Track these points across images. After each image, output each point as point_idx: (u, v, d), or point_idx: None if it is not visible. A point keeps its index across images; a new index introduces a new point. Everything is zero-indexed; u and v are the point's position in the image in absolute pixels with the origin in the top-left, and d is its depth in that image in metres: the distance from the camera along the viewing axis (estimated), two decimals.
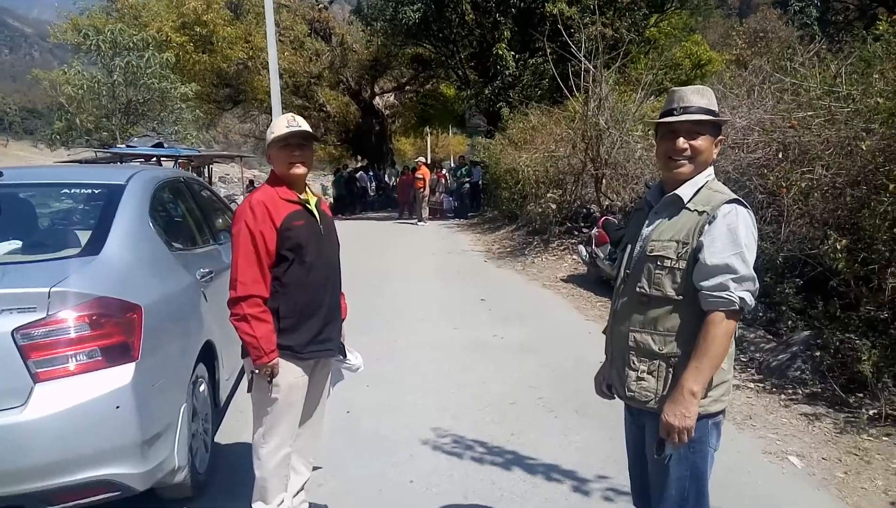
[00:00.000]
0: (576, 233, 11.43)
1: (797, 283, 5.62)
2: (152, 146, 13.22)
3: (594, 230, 8.96)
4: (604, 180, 11.03)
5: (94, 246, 2.86)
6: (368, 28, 21.33)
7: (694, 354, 1.98)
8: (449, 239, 14.76)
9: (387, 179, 26.48)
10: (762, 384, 4.97)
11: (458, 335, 6.41)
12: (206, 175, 15.60)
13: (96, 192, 3.27)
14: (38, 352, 2.40)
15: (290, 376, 2.77)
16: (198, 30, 19.39)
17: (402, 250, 12.71)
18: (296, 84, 22.64)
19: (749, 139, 6.65)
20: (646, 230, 2.17)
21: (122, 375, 2.56)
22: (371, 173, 25.13)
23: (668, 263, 2.05)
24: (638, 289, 2.11)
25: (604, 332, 2.37)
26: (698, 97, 2.11)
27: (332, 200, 23.04)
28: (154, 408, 2.74)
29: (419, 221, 18.22)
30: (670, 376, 2.07)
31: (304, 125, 2.80)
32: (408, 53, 22.37)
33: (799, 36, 16.78)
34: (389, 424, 4.27)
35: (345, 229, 17.41)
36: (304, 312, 2.77)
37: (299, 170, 2.78)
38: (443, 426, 4.22)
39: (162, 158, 14.00)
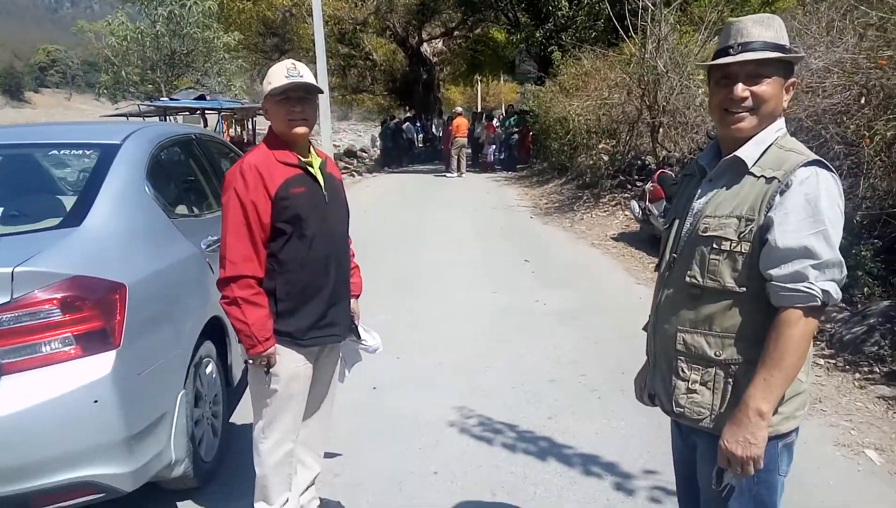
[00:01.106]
0: (629, 187, 10.79)
1: (876, 245, 5.02)
2: (195, 99, 13.08)
3: (648, 184, 8.36)
4: (661, 130, 10.31)
5: (76, 216, 2.56)
6: None
7: (762, 362, 1.55)
8: (495, 193, 14.26)
9: (434, 130, 25.85)
10: (833, 361, 4.46)
11: (497, 300, 6.03)
12: (250, 128, 15.44)
13: (88, 153, 2.96)
14: (3, 341, 2.13)
15: (291, 365, 2.45)
16: None
17: (444, 206, 12.29)
18: (341, 31, 22.07)
19: (826, 82, 5.93)
20: (697, 203, 1.72)
21: (99, 365, 2.28)
22: (418, 124, 24.57)
23: (726, 245, 1.61)
24: (688, 278, 1.68)
25: (644, 329, 1.95)
26: (762, 29, 1.62)
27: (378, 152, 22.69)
28: (142, 399, 2.47)
29: (454, 173, 17.68)
30: (730, 389, 1.65)
31: (308, 75, 2.40)
32: None
33: None
34: (416, 402, 3.96)
35: (388, 182, 17.27)
36: (304, 293, 2.43)
37: (300, 129, 2.39)
38: (472, 407, 3.89)
39: (206, 111, 13.87)
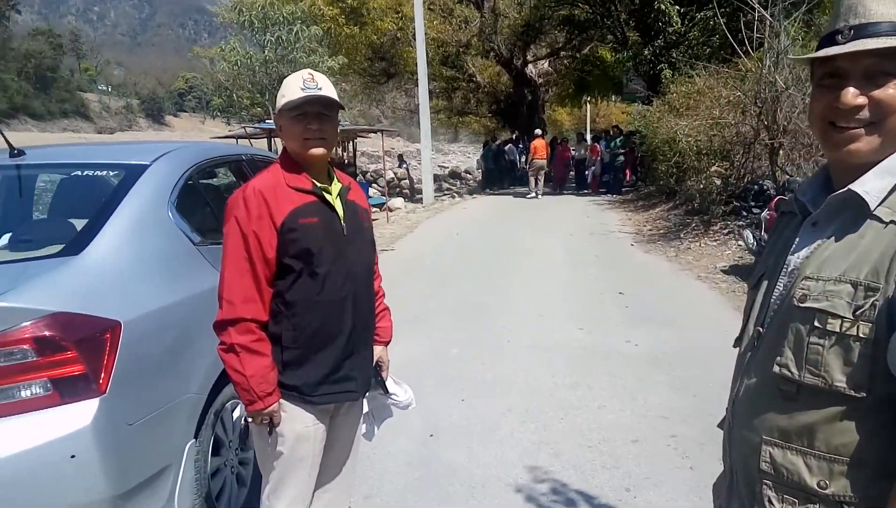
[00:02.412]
0: (744, 214, 9.77)
1: None
2: None
3: (765, 212, 7.47)
4: (780, 151, 9.29)
5: (79, 243, 2.32)
6: None
7: None
8: (595, 217, 13.52)
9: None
10: None
11: (582, 337, 5.44)
12: (350, 150, 15.61)
13: (112, 174, 2.76)
14: None
15: (298, 425, 2.07)
16: (349, 1, 19.42)
17: (538, 229, 11.72)
18: (445, 54, 22.12)
19: None
20: (794, 257, 1.18)
21: (78, 414, 1.99)
22: (521, 146, 24.12)
23: (834, 324, 1.06)
24: (777, 368, 1.14)
25: (719, 426, 1.41)
26: (887, 5, 1.07)
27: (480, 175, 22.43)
28: (134, 452, 2.17)
29: (532, 193, 17.75)
30: None
31: (327, 87, 2.05)
32: (560, 15, 20.94)
33: None
34: (476, 457, 3.48)
35: (486, 204, 16.91)
36: (314, 340, 2.05)
37: (317, 150, 2.03)
38: (540, 466, 3.37)
39: None
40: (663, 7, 15.46)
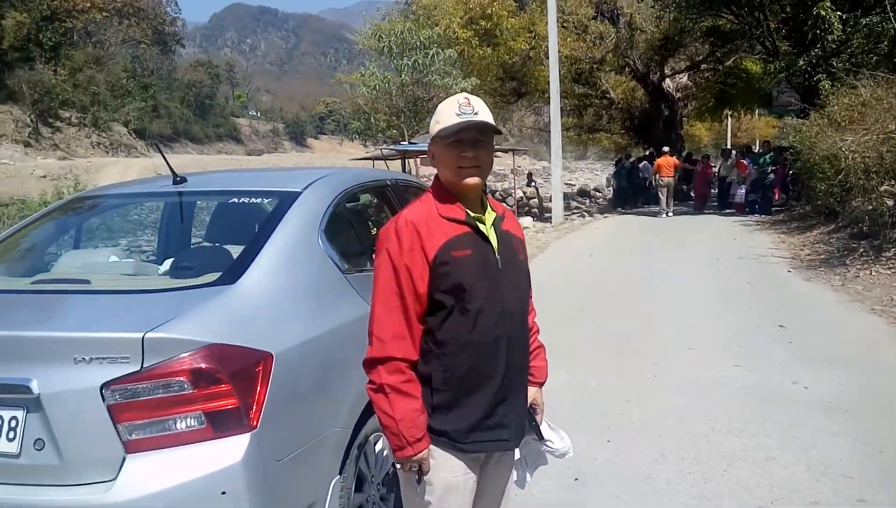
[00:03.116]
0: None
1: None
2: None
3: None
4: None
5: (234, 272, 2.33)
6: (658, 2, 19.45)
7: None
8: (743, 239, 12.55)
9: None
10: None
11: (740, 375, 4.93)
12: None
13: (266, 201, 2.79)
14: (129, 415, 1.90)
15: (447, 473, 1.91)
16: (482, 23, 19.59)
17: (680, 252, 11.03)
18: (577, 71, 21.71)
19: None
20: None
21: (230, 450, 1.96)
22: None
23: None
24: None
25: None
26: None
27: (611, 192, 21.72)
28: (282, 490, 2.11)
29: (664, 213, 17.41)
30: None
31: (484, 111, 1.90)
32: (703, 27, 19.91)
33: None
34: None
35: (619, 223, 16.28)
36: (466, 383, 1.89)
37: (472, 179, 1.89)
38: None
39: None
40: (823, 14, 14.21)
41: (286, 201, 2.73)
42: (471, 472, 1.96)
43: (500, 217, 2.02)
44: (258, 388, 2.06)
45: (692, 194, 19.94)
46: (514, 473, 2.25)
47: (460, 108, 1.89)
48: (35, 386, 1.89)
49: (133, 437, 1.91)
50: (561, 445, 2.27)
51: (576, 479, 3.46)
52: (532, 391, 2.18)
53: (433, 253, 1.85)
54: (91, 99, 53.12)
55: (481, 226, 1.94)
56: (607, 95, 23.35)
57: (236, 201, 2.89)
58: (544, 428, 2.24)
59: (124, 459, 1.91)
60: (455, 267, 1.85)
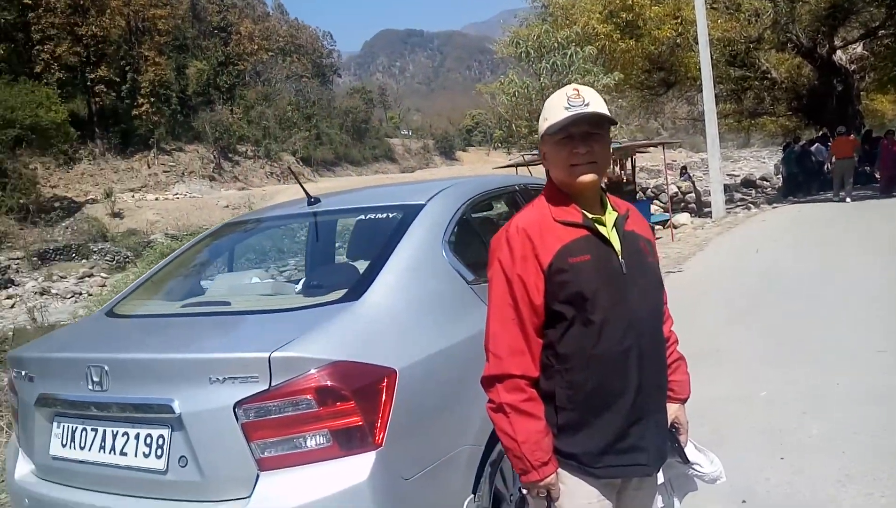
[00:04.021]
0: None
1: None
2: None
3: None
4: None
5: (358, 288, 2.34)
6: None
7: None
8: None
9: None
10: None
11: None
12: (629, 167, 15.00)
13: (390, 216, 2.79)
14: (261, 433, 1.95)
15: (580, 500, 1.76)
16: (623, 16, 18.88)
17: (862, 243, 9.75)
18: (732, 53, 20.17)
19: None
20: None
21: (356, 468, 1.95)
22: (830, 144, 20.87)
23: None
24: None
25: None
26: None
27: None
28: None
29: (839, 197, 15.95)
30: None
31: (595, 102, 1.75)
32: None
33: None
34: None
35: (790, 214, 14.88)
36: (592, 401, 1.73)
37: (587, 177, 1.74)
38: None
39: None
40: None
41: (410, 214, 2.71)
42: (606, 500, 1.79)
43: (622, 217, 1.85)
44: (382, 405, 2.04)
45: (877, 176, 17.71)
46: (660, 499, 2.05)
47: (569, 100, 1.75)
48: (177, 406, 2.00)
49: (265, 455, 1.96)
50: (710, 469, 2.03)
51: (743, 501, 3.12)
52: (673, 409, 1.97)
53: (548, 260, 1.72)
54: (263, 133, 58.17)
55: (601, 228, 1.78)
56: (768, 76, 21.47)
57: (363, 217, 2.93)
58: (690, 450, 2.01)
59: (258, 477, 1.96)
60: (573, 274, 1.71)
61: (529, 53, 15.49)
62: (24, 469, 2.42)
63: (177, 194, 43.95)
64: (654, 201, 19.23)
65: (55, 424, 2.29)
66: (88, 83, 45.82)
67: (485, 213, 3.64)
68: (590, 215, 1.77)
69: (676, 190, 19.53)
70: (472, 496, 2.33)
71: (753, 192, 24.12)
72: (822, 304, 6.55)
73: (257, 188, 45.58)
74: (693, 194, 19.34)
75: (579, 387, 1.73)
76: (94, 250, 26.30)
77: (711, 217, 15.57)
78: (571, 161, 1.74)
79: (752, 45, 20.01)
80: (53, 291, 18.53)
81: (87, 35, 43.80)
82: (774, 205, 17.77)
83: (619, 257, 1.77)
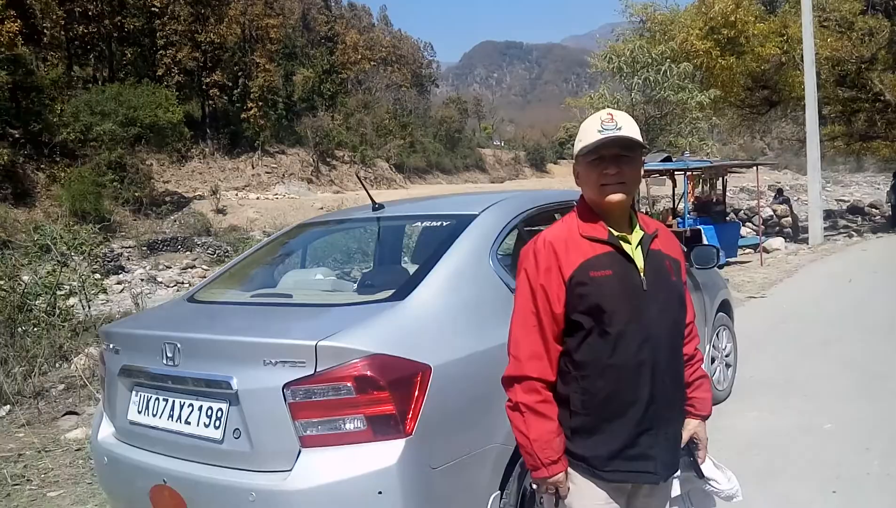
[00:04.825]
0: None
1: None
2: (661, 161, 12.98)
3: None
4: None
5: (405, 290, 2.53)
6: None
7: None
8: None
9: None
10: None
11: None
12: (720, 187, 14.52)
13: (444, 224, 2.97)
14: (305, 413, 2.17)
15: (588, 501, 1.86)
16: (725, 32, 18.30)
17: None
18: (841, 73, 19.12)
19: None
20: None
21: (386, 453, 2.13)
22: None
23: None
24: None
25: None
26: None
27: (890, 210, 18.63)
28: (437, 496, 2.24)
29: None
30: None
31: (629, 126, 1.86)
32: None
33: None
34: None
35: (890, 246, 13.90)
36: (605, 408, 1.83)
37: (615, 197, 1.85)
38: None
39: (675, 172, 13.68)
40: None
41: (462, 223, 2.88)
42: (614, 503, 1.89)
43: (649, 236, 1.94)
44: (415, 397, 2.21)
45: None
46: None
47: (602, 124, 1.87)
48: (235, 383, 2.26)
49: (307, 433, 2.17)
50: (727, 486, 2.07)
51: None
52: (693, 425, 2.04)
53: (569, 273, 1.84)
54: (360, 139, 59.96)
55: (625, 245, 1.89)
56: (881, 98, 20.17)
57: (419, 225, 3.13)
58: (707, 466, 2.06)
59: (300, 452, 2.18)
60: (594, 288, 1.82)
61: (622, 69, 15.33)
62: (106, 431, 2.76)
63: (276, 194, 46.08)
64: (747, 224, 18.48)
65: (133, 392, 2.61)
66: (203, 87, 48.82)
67: (544, 226, 3.74)
68: (616, 233, 1.88)
69: (772, 213, 18.68)
70: (499, 493, 2.46)
71: (860, 219, 22.71)
72: None
73: (351, 192, 47.11)
74: (790, 218, 18.44)
75: (593, 394, 1.84)
76: (198, 243, 27.99)
77: (808, 243, 14.82)
78: (602, 181, 1.86)
79: (864, 66, 18.89)
80: (159, 279, 19.91)
81: (206, 42, 46.69)
82: (879, 235, 16.70)
83: (641, 274, 1.87)
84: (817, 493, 3.39)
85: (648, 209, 15.79)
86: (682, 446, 1.99)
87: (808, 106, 15.28)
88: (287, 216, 36.30)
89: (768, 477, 3.63)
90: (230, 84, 50.36)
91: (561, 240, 1.89)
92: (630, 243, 1.90)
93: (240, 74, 51.55)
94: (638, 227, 1.95)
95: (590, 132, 1.87)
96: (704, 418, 2.08)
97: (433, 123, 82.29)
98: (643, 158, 1.94)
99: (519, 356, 1.89)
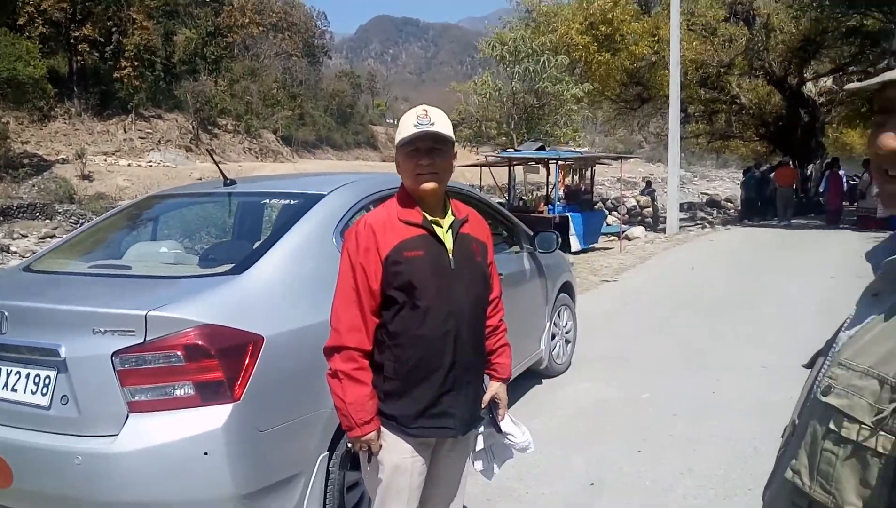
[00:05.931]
0: None
1: None
2: (536, 150, 13.60)
3: None
4: None
5: (245, 264, 2.65)
6: (797, 1, 18.21)
7: None
8: None
9: (813, 180, 22.15)
10: None
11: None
12: (589, 176, 15.43)
13: (292, 203, 3.10)
14: (133, 380, 2.26)
15: (395, 455, 2.10)
16: (602, 29, 19.28)
17: (792, 268, 10.32)
18: (703, 75, 20.72)
19: None
20: (844, 335, 0.96)
21: (213, 417, 2.27)
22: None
23: (852, 430, 0.82)
24: (791, 474, 0.91)
25: None
26: None
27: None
28: (263, 457, 2.40)
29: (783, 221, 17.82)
30: None
31: (441, 122, 2.08)
32: (847, 27, 18.36)
33: None
34: None
35: (739, 237, 15.46)
36: (414, 373, 2.07)
37: (429, 185, 2.07)
38: None
39: (549, 161, 14.34)
40: None
41: (310, 202, 3.03)
42: (419, 455, 2.13)
43: (459, 221, 2.18)
44: (245, 365, 2.35)
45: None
46: (480, 463, 2.39)
47: (418, 119, 2.07)
48: (63, 351, 2.30)
49: (135, 399, 2.27)
50: (522, 439, 2.38)
51: (592, 484, 3.49)
52: (494, 387, 2.31)
53: (386, 253, 2.05)
54: (245, 108, 57.54)
55: (437, 229, 2.11)
56: (737, 100, 22.07)
57: (268, 201, 3.23)
58: (506, 423, 2.35)
59: (127, 417, 2.26)
60: (407, 266, 2.04)
61: (506, 57, 15.82)
62: None
63: (150, 161, 43.48)
64: (613, 213, 19.74)
65: None
66: (72, 41, 45.00)
67: None
68: (429, 218, 2.10)
69: (635, 203, 20.05)
70: (328, 453, 2.66)
71: (715, 212, 24.79)
72: (733, 322, 7.00)
73: (234, 163, 45.33)
74: (650, 209, 19.88)
75: (404, 361, 2.07)
76: (60, 211, 26.08)
77: (665, 233, 16.08)
78: (417, 171, 2.07)
79: (723, 70, 20.58)
80: (13, 249, 18.42)
81: None
82: (728, 226, 18.38)
83: (450, 254, 2.11)
84: (624, 451, 3.86)
85: (528, 196, 16.45)
86: (483, 406, 2.28)
87: (671, 105, 16.47)
88: (161, 186, 34.46)
89: (590, 440, 4.07)
90: (102, 40, 46.66)
91: (380, 223, 2.09)
92: (441, 227, 2.13)
93: (114, 29, 47.86)
94: (450, 212, 2.18)
95: (407, 126, 2.08)
96: (505, 380, 2.36)
97: (324, 96, 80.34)
98: (455, 151, 2.17)
99: (339, 329, 2.07)
